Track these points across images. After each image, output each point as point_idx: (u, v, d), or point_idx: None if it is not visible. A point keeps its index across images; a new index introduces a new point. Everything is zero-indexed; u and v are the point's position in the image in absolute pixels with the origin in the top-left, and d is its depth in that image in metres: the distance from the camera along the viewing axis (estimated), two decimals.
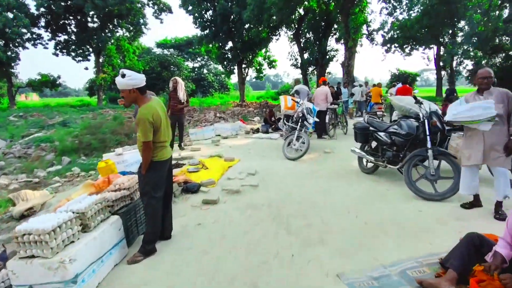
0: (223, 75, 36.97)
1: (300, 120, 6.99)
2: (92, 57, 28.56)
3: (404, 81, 10.03)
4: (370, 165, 5.65)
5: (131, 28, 28.07)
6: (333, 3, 21.71)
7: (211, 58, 30.36)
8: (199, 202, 4.53)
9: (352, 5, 18.54)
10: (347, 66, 19.46)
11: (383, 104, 13.94)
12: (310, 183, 5.21)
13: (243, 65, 28.08)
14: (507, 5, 17.08)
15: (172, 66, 30.78)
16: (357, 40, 19.42)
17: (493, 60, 27.46)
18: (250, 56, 27.93)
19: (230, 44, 26.75)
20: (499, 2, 18.95)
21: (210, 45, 27.09)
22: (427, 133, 4.41)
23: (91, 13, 25.70)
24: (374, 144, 5.55)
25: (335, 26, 24.32)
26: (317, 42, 24.10)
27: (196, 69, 38.79)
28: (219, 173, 5.85)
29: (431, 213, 3.86)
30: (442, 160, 4.37)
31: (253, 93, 47.18)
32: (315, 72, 25.79)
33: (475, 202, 3.98)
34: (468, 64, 29.43)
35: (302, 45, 25.11)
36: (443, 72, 30.00)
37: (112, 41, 27.50)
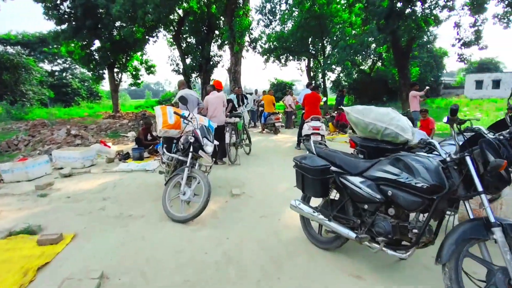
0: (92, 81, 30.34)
1: (191, 148, 3.84)
2: None
3: (315, 86, 7.94)
4: (328, 233, 2.92)
5: None
6: (214, 6, 19.20)
7: (74, 60, 24.05)
8: None
9: (236, 6, 16.30)
10: (234, 72, 17.12)
11: (279, 113, 11.95)
12: None
13: (116, 70, 22.96)
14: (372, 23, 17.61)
15: (21, 68, 23.11)
16: (243, 45, 17.31)
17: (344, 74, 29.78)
18: (124, 59, 23.05)
19: (98, 43, 21.42)
20: (362, 19, 19.60)
21: (72, 44, 21.16)
22: (479, 187, 1.92)
23: None
24: (333, 194, 2.86)
25: (217, 32, 22.00)
26: (200, 47, 21.18)
27: (57, 73, 30.71)
28: None
29: None
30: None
31: (131, 102, 40.82)
32: (199, 79, 22.84)
33: None
34: (331, 76, 31.27)
35: (183, 49, 21.78)
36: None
37: None
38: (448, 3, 16.71)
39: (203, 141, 3.85)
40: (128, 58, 23.20)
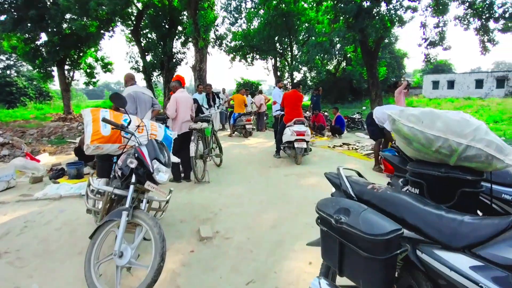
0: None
1: (133, 178, 2.33)
2: None
3: (296, 84, 6.62)
4: None
5: None
6: None
7: (18, 55, 20.93)
8: None
9: None
10: (199, 70, 15.47)
11: (251, 115, 10.57)
12: None
13: (66, 67, 20.26)
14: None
15: None
16: (208, 41, 15.70)
17: (311, 74, 29.06)
18: (76, 56, 20.40)
19: (45, 37, 18.73)
20: (333, 17, 18.77)
21: (16, 38, 18.28)
22: None
23: None
24: None
25: (180, 28, 20.17)
26: (161, 43, 19.21)
27: None
28: None
29: None
30: None
31: (88, 102, 37.15)
32: (161, 78, 20.83)
33: None
34: (297, 75, 30.25)
35: (143, 45, 19.67)
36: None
37: None
38: (412, 4, 16.46)
39: (153, 164, 2.35)
40: (81, 54, 20.58)
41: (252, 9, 24.94)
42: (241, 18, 25.81)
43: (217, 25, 20.18)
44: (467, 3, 15.84)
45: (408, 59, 34.45)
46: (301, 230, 3.11)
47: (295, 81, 28.63)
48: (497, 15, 15.09)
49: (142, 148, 2.37)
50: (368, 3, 16.00)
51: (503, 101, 21.91)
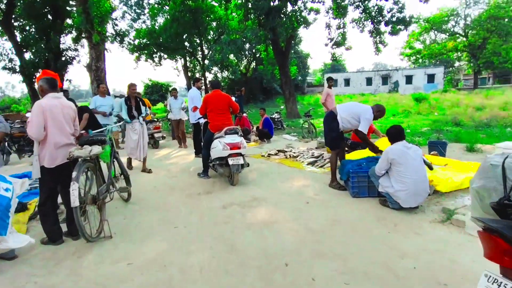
0: None
1: None
2: None
3: (215, 83, 5.10)
4: None
5: None
6: None
7: None
8: None
9: None
10: (96, 69, 12.60)
11: (159, 122, 8.68)
12: None
13: None
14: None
15: None
16: (105, 35, 12.91)
17: (224, 74, 27.86)
18: None
19: None
20: (242, 17, 17.81)
21: None
22: None
23: None
24: None
25: (70, 21, 16.43)
26: (44, 37, 15.24)
27: None
28: None
29: None
30: None
31: None
32: None
33: None
34: (208, 76, 28.25)
35: (19, 39, 15.31)
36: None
37: None
38: (315, 6, 16.80)
39: None
40: None
41: (156, 5, 22.26)
42: (144, 14, 22.84)
43: (115, 19, 17.19)
44: (362, 8, 16.73)
45: (311, 59, 36.35)
46: None
47: (207, 81, 26.82)
48: (387, 18, 16.27)
49: None
50: (277, 2, 15.58)
51: (390, 96, 24.54)
